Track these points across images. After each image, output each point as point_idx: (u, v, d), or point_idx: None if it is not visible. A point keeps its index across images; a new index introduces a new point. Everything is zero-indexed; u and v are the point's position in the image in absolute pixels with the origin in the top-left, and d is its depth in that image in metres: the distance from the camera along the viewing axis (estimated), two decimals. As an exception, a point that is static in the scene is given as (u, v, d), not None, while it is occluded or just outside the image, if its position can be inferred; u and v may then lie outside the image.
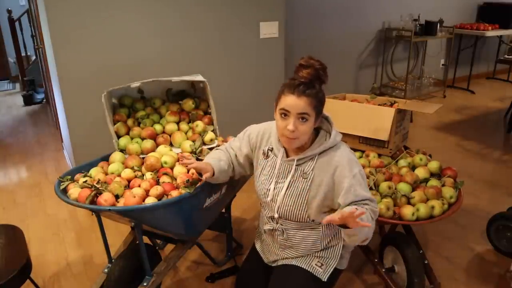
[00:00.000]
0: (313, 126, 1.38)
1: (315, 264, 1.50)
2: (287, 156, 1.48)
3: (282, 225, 1.52)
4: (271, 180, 1.49)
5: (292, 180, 1.45)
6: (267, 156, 1.53)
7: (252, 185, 1.55)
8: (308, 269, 1.49)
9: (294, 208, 1.44)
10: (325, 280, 1.49)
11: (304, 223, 1.48)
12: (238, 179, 1.77)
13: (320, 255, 1.52)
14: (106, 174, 1.75)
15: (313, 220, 1.46)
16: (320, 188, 1.40)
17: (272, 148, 1.52)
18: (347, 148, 1.45)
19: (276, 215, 1.50)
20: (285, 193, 1.45)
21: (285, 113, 1.34)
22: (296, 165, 1.44)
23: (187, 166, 1.49)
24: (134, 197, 1.52)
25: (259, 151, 1.57)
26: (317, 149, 1.41)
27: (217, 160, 1.56)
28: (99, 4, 2.54)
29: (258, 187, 1.54)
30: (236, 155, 1.63)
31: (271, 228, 1.55)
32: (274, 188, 1.48)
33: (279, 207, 1.47)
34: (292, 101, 1.32)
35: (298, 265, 1.51)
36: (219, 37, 3.05)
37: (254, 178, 1.60)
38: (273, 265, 1.62)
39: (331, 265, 1.52)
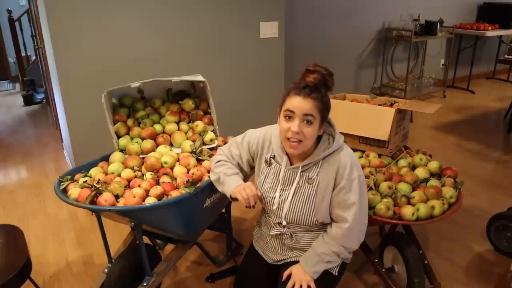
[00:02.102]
0: (317, 132, 1.37)
1: None
2: (291, 163, 1.47)
3: (290, 229, 1.51)
4: (275, 188, 1.48)
5: (297, 187, 1.44)
6: (270, 164, 1.51)
7: (252, 185, 1.54)
8: None
9: (302, 214, 1.44)
10: (336, 274, 1.51)
11: (313, 225, 1.48)
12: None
13: None
14: (106, 174, 1.75)
15: (321, 222, 1.46)
16: (326, 192, 1.41)
17: (274, 155, 1.50)
18: (349, 150, 1.44)
19: (284, 222, 1.49)
20: (291, 200, 1.45)
21: (290, 115, 1.33)
22: (301, 172, 1.43)
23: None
24: (134, 197, 1.52)
25: (261, 158, 1.55)
26: (321, 154, 1.40)
27: (239, 177, 1.55)
28: (99, 4, 2.54)
29: (262, 195, 1.53)
30: (238, 163, 1.61)
31: (279, 233, 1.54)
32: (280, 195, 1.47)
33: (286, 214, 1.46)
34: (297, 102, 1.31)
35: None
36: (219, 37, 3.05)
37: (257, 186, 1.57)
38: (280, 263, 1.61)
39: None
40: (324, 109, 1.36)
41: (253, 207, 1.44)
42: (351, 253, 1.52)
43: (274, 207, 1.48)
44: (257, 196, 1.46)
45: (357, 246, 1.48)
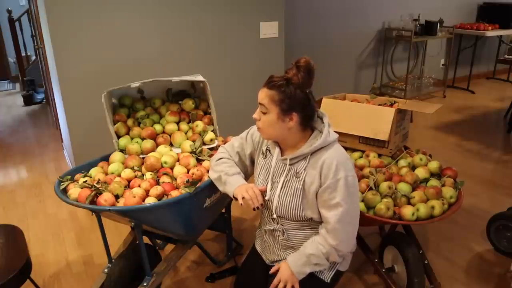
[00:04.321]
0: (276, 122, 1.37)
1: None
2: (282, 155, 1.48)
3: (282, 225, 1.52)
4: (267, 179, 1.50)
5: (285, 180, 1.45)
6: (265, 156, 1.54)
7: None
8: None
9: (291, 208, 1.44)
10: (328, 281, 1.50)
11: (304, 222, 1.48)
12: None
13: None
14: (106, 174, 1.75)
15: (311, 218, 1.46)
16: (311, 188, 1.40)
17: (270, 148, 1.53)
18: (339, 149, 1.42)
19: (274, 215, 1.50)
20: (279, 193, 1.46)
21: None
22: (289, 165, 1.44)
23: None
24: (134, 197, 1.52)
25: (260, 151, 1.58)
26: (308, 149, 1.40)
27: (241, 177, 1.56)
28: (99, 4, 2.54)
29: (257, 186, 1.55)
30: (240, 159, 1.62)
31: (272, 228, 1.55)
32: (271, 188, 1.49)
33: (276, 206, 1.47)
34: (259, 93, 1.40)
35: None
36: (219, 37, 3.05)
37: (254, 178, 1.60)
38: (274, 263, 1.61)
39: (334, 267, 1.52)
40: (284, 99, 1.33)
41: (258, 208, 1.44)
42: (343, 258, 1.50)
43: (266, 198, 1.50)
44: (261, 195, 1.46)
45: (347, 249, 1.45)
